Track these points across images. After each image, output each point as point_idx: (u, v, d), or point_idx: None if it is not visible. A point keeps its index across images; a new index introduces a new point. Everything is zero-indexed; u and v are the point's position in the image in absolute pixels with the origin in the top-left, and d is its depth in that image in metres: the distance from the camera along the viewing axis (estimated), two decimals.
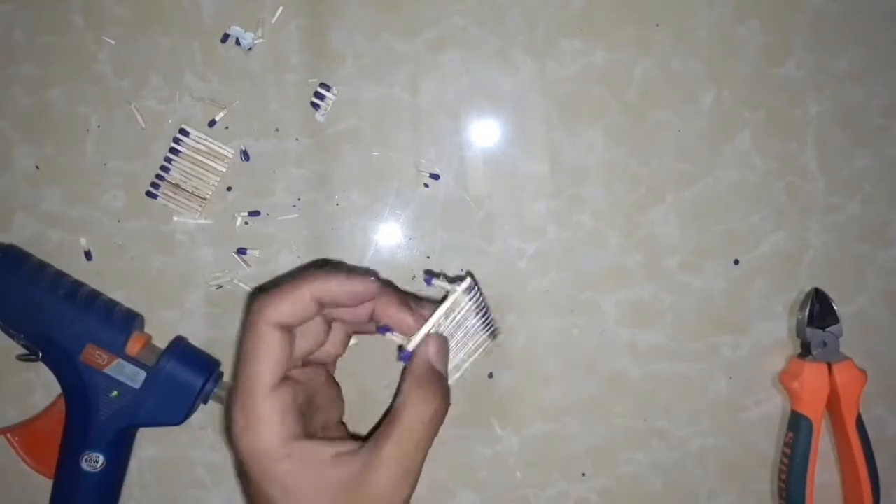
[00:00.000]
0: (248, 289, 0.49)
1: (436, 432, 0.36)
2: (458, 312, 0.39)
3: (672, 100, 0.51)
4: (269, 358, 0.34)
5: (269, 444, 0.34)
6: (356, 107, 0.50)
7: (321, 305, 0.36)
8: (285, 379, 0.35)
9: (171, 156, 0.49)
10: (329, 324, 0.39)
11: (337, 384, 0.42)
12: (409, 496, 0.35)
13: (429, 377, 0.36)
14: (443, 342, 0.38)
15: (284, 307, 0.35)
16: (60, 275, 0.47)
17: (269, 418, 0.34)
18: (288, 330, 0.36)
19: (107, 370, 0.45)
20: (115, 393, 0.45)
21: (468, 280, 0.39)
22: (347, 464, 0.34)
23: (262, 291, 0.42)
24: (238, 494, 0.49)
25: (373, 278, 0.37)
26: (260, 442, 0.34)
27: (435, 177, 0.50)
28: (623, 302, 0.51)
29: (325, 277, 0.36)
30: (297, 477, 0.34)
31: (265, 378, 0.34)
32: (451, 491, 0.51)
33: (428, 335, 0.38)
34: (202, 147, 0.49)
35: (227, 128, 0.50)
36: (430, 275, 0.42)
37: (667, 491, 0.51)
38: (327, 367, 0.41)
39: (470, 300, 0.39)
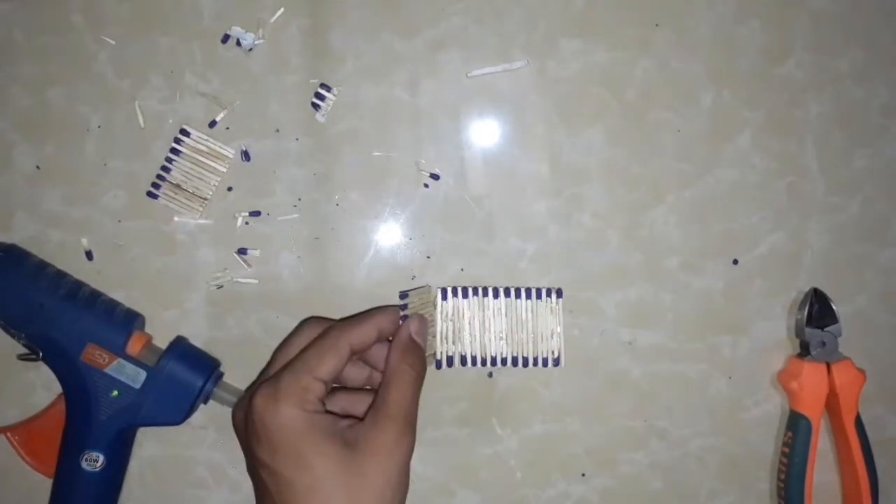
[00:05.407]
0: (249, 286, 0.50)
1: (419, 392, 0.43)
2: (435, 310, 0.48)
3: (672, 100, 0.51)
4: (338, 363, 0.42)
5: (305, 413, 0.39)
6: (356, 107, 0.50)
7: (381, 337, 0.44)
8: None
9: (172, 156, 0.49)
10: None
11: None
12: (411, 449, 0.41)
13: (411, 347, 0.44)
14: (423, 321, 0.45)
15: (364, 338, 0.43)
16: (61, 275, 0.47)
17: (314, 393, 0.40)
18: (353, 353, 0.43)
19: (107, 370, 0.45)
20: (115, 393, 0.46)
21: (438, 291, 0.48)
22: (357, 429, 0.40)
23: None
24: (238, 494, 0.50)
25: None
26: (294, 412, 0.39)
27: (435, 177, 0.50)
28: (623, 302, 0.51)
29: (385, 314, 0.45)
30: (317, 443, 0.39)
31: (325, 373, 0.41)
32: (451, 491, 0.51)
33: (409, 316, 0.45)
34: (203, 147, 0.49)
35: (227, 128, 0.50)
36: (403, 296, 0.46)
37: (667, 491, 0.52)
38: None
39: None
